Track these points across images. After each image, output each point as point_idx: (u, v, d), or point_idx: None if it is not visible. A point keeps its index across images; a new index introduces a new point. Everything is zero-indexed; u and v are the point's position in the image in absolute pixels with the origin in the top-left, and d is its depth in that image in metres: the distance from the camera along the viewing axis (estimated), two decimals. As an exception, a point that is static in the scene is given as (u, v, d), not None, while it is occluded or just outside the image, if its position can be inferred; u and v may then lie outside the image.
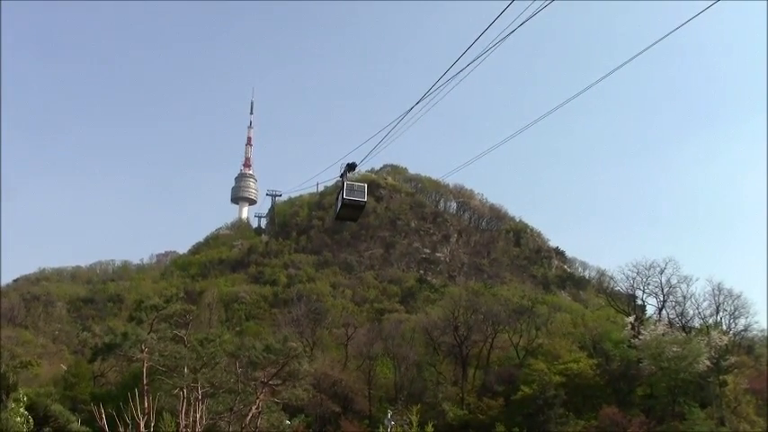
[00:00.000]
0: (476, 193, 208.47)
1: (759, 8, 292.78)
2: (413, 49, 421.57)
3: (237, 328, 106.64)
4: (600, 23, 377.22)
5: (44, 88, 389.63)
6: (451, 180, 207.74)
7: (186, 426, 41.72)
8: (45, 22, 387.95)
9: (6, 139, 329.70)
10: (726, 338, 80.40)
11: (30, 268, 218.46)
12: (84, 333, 69.16)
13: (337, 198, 22.17)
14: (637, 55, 15.09)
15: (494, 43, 13.29)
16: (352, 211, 22.24)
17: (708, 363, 75.07)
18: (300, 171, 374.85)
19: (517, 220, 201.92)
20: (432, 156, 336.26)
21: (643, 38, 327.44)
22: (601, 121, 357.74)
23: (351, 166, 21.12)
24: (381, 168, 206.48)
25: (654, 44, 14.50)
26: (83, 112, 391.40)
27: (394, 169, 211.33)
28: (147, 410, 37.86)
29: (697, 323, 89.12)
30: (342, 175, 21.22)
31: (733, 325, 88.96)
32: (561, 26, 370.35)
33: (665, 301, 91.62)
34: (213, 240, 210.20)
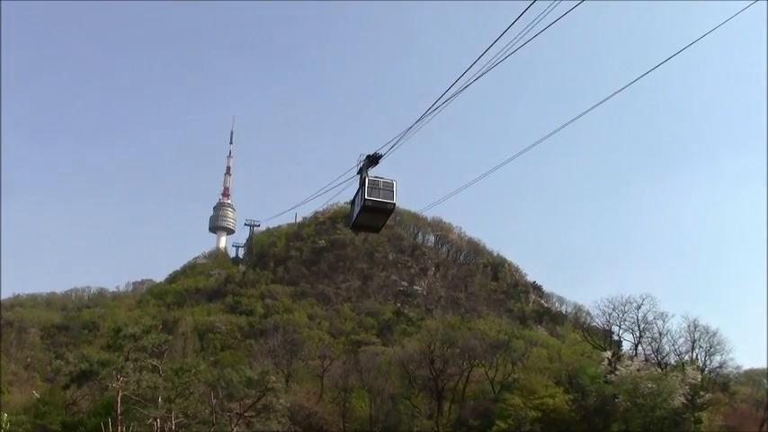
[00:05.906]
0: (454, 226, 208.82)
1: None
2: (395, 74, 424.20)
3: (212, 358, 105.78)
4: (583, 61, 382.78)
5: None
6: (430, 213, 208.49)
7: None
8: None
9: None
10: (699, 375, 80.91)
11: (4, 294, 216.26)
12: (58, 361, 68.36)
13: (353, 202, 17.45)
14: (616, 93, 15.58)
15: (495, 60, 13.41)
16: (375, 216, 17.18)
17: (683, 399, 75.40)
18: (278, 201, 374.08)
19: (495, 255, 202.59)
20: (410, 188, 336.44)
21: (619, 78, 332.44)
22: (579, 156, 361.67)
23: (372, 159, 16.46)
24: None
25: (635, 81, 14.98)
26: (57, 136, 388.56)
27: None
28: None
29: (673, 359, 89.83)
30: (360, 171, 16.81)
31: (708, 362, 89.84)
32: (545, 61, 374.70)
33: (641, 337, 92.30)
34: (190, 269, 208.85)
